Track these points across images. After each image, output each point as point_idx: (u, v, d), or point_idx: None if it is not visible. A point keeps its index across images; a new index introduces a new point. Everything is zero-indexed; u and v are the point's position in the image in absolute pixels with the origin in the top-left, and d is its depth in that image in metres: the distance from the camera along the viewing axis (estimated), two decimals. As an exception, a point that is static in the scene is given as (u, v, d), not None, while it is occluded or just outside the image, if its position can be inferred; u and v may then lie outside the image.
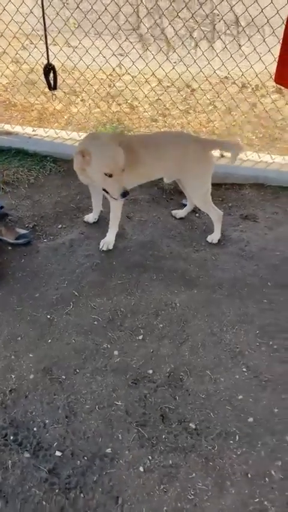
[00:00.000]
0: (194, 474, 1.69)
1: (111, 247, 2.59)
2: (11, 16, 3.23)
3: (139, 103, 3.77)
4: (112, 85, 3.93)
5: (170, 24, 3.93)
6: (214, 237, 2.69)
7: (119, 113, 3.73)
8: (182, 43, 3.55)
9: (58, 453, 1.74)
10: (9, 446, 1.75)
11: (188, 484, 1.66)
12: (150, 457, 1.73)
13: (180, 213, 2.85)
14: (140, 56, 3.29)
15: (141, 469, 1.70)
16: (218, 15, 5.18)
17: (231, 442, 1.78)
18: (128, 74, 3.71)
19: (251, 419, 1.85)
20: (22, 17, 3.25)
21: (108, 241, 2.59)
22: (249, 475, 1.69)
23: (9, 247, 2.61)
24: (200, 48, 3.58)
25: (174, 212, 2.89)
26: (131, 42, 3.43)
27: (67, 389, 1.95)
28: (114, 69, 3.47)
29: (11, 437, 1.78)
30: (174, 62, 3.74)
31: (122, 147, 2.32)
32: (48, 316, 2.24)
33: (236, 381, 2.00)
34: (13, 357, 2.06)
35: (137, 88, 3.64)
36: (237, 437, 1.80)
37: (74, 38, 3.55)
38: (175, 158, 2.46)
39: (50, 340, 2.14)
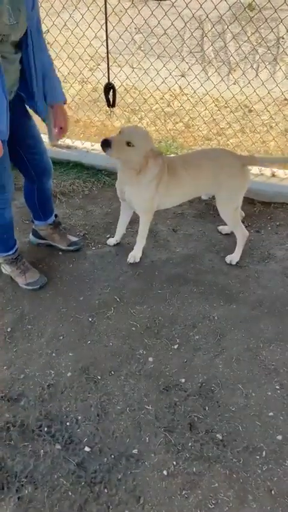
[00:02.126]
0: (216, 484, 1.70)
1: (137, 260, 2.68)
2: (77, 39, 3.47)
3: (193, 121, 3.87)
4: (169, 104, 4.07)
5: (225, 46, 4.03)
6: (233, 258, 2.68)
7: (174, 131, 3.85)
8: (237, 64, 3.62)
9: (87, 448, 1.82)
10: (43, 437, 1.86)
11: (210, 493, 1.67)
12: (174, 463, 1.77)
13: (226, 228, 2.89)
14: (196, 77, 3.39)
15: (165, 472, 1.74)
16: (282, 38, 5.23)
17: (257, 457, 1.78)
18: (184, 94, 3.83)
19: (279, 437, 1.83)
20: (87, 40, 3.48)
21: (134, 254, 2.68)
22: (272, 492, 1.67)
23: (60, 253, 2.77)
24: (254, 69, 3.63)
25: (220, 228, 2.93)
26: (187, 63, 3.56)
27: (101, 389, 2.03)
28: (170, 89, 3.61)
29: (45, 429, 1.89)
30: (234, 83, 3.82)
31: (168, 169, 2.43)
32: (90, 319, 2.35)
33: (268, 397, 1.98)
34: (54, 355, 2.19)
35: (194, 107, 3.75)
36: (263, 453, 1.79)
37: (138, 60, 3.73)
38: (212, 173, 2.50)
39: (89, 342, 2.24)
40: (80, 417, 1.93)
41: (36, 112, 2.28)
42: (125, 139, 2.26)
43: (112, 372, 2.10)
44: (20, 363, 2.15)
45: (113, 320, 2.35)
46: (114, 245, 2.82)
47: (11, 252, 2.50)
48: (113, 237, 2.84)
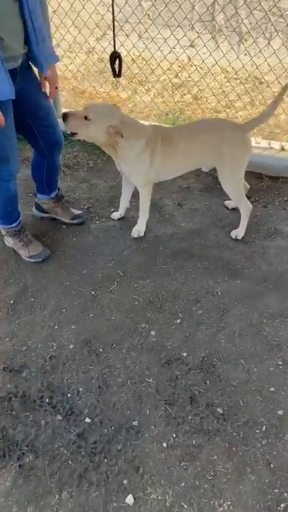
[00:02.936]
0: (215, 456, 1.71)
1: (142, 234, 2.64)
2: (82, 5, 3.35)
3: (201, 93, 3.76)
4: (177, 75, 3.96)
5: (236, 12, 3.87)
6: (239, 233, 2.63)
7: (182, 103, 3.75)
8: (248, 32, 3.49)
9: (88, 420, 1.83)
10: (44, 407, 1.87)
11: (209, 465, 1.68)
12: (174, 435, 1.78)
13: (232, 203, 2.83)
14: (205, 45, 3.28)
15: (164, 444, 1.75)
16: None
17: (257, 431, 1.78)
18: (193, 64, 3.71)
19: (280, 412, 1.83)
20: (93, 6, 3.36)
21: (138, 228, 2.64)
22: (271, 465, 1.68)
23: (64, 226, 2.75)
24: (266, 38, 3.50)
25: (226, 202, 2.88)
26: (196, 32, 3.43)
27: (103, 361, 2.03)
28: (178, 59, 3.49)
29: (47, 400, 1.90)
30: (245, 54, 3.69)
31: (162, 140, 2.37)
32: (93, 293, 2.34)
33: (270, 373, 1.97)
34: (56, 327, 2.19)
35: (203, 78, 3.64)
36: (264, 428, 1.78)
37: (145, 28, 3.61)
38: (213, 144, 2.43)
39: (92, 315, 2.24)
40: (81, 389, 1.93)
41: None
42: (83, 114, 2.21)
43: (114, 345, 2.10)
44: (22, 335, 2.15)
45: (116, 294, 2.33)
46: (119, 219, 2.79)
47: (14, 225, 2.48)
48: (117, 210, 2.81)
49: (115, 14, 2.71)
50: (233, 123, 2.58)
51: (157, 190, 2.71)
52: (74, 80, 4.04)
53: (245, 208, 2.59)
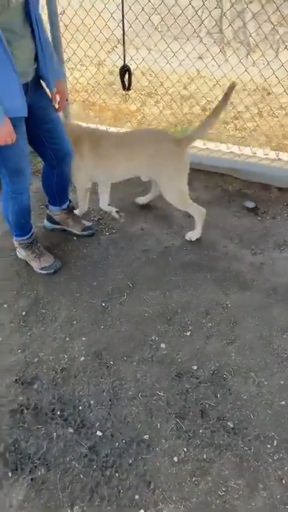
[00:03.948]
0: (227, 472, 1.71)
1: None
2: (93, 20, 3.40)
3: (209, 105, 3.79)
4: (185, 87, 3.99)
5: (244, 25, 3.91)
6: (193, 235, 2.68)
7: (190, 114, 3.78)
8: (256, 45, 3.52)
9: (99, 433, 1.84)
10: (56, 420, 1.89)
11: (220, 481, 1.68)
12: (185, 449, 1.78)
13: (144, 198, 2.93)
14: (213, 58, 3.31)
15: (175, 459, 1.75)
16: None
17: (269, 446, 1.77)
18: (201, 76, 3.75)
19: (291, 426, 1.83)
20: (103, 22, 3.41)
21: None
22: (283, 481, 1.67)
23: (74, 238, 2.77)
24: (274, 50, 3.52)
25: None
26: (204, 44, 3.47)
27: (113, 374, 2.05)
28: (186, 71, 3.53)
29: (58, 413, 1.91)
30: (253, 65, 3.71)
31: (92, 143, 2.45)
32: (103, 304, 2.36)
33: (281, 386, 1.97)
34: (67, 339, 2.20)
35: (211, 90, 3.66)
36: (275, 442, 1.78)
37: (154, 42, 3.65)
38: (147, 156, 2.45)
39: (102, 327, 2.25)
40: (92, 402, 1.95)
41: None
42: None
43: (124, 358, 2.11)
44: (34, 347, 2.17)
45: (125, 306, 2.35)
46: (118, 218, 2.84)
47: (26, 237, 2.51)
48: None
49: (125, 28, 2.75)
50: (171, 136, 2.58)
51: (166, 202, 2.72)
52: (84, 92, 4.09)
53: (198, 214, 2.62)
